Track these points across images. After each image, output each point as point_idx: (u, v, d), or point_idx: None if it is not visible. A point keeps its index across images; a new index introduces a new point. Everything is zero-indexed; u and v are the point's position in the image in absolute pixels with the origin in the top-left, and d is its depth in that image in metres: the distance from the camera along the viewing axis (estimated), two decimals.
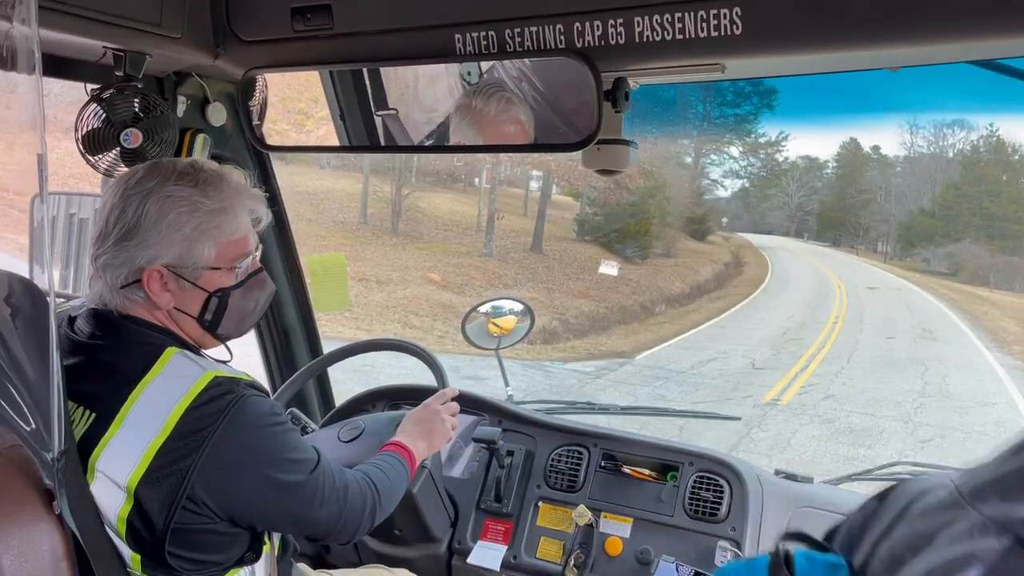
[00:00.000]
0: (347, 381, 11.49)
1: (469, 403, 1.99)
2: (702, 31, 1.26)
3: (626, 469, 1.73)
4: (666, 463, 1.76)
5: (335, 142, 1.73)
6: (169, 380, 1.25)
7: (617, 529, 1.70)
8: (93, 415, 1.24)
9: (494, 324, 3.49)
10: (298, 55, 1.60)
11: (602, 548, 1.69)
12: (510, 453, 1.87)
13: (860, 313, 23.46)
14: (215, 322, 1.40)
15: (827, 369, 13.89)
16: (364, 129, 1.64)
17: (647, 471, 1.74)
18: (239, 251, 1.40)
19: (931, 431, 9.85)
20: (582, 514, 1.71)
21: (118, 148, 1.63)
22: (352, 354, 2.03)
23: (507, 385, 3.49)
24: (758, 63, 1.33)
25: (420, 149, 1.66)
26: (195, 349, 1.37)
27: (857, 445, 9.02)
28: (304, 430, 1.88)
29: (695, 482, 1.68)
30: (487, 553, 1.76)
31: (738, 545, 1.57)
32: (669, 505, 1.69)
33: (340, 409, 2.14)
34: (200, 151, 1.88)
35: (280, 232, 2.12)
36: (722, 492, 1.64)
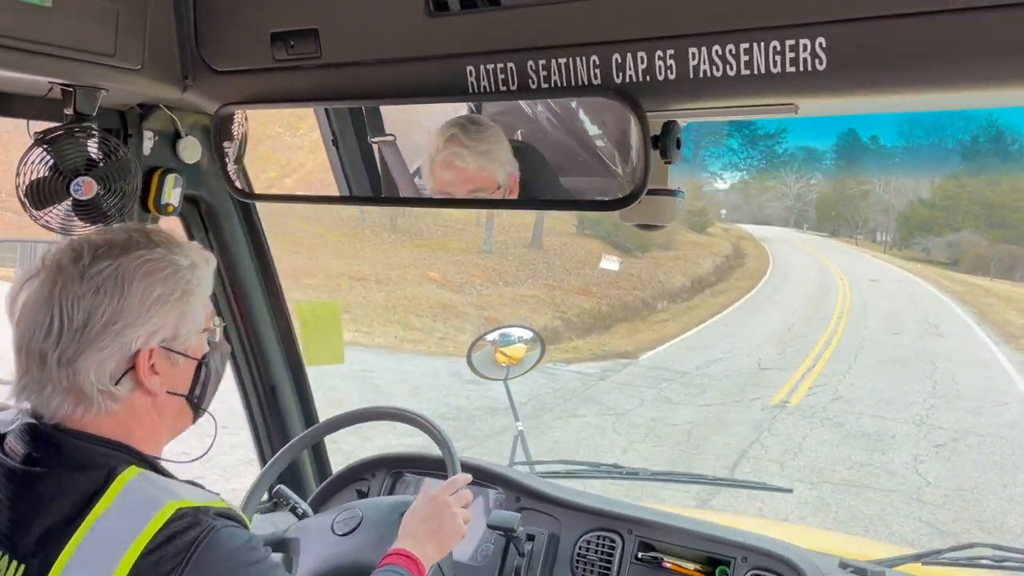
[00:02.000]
0: (345, 388, 11.21)
1: (482, 476, 1.74)
2: (775, 65, 1.01)
3: (668, 563, 1.49)
4: (713, 556, 1.51)
5: (332, 185, 1.48)
6: (121, 515, 1.02)
7: None
8: (22, 568, 1.00)
9: (502, 353, 3.25)
10: (281, 88, 1.35)
11: None
12: (530, 538, 1.62)
13: (864, 307, 23.23)
14: (203, 395, 1.22)
15: (834, 368, 13.66)
16: (366, 177, 1.40)
17: (692, 565, 1.50)
18: (211, 307, 1.24)
19: (944, 435, 9.62)
20: None
21: (69, 200, 1.39)
22: (352, 423, 1.79)
23: (517, 420, 3.26)
24: (839, 100, 1.08)
25: (428, 203, 1.42)
26: (156, 468, 1.13)
27: (871, 450, 8.80)
28: (294, 511, 1.65)
29: None
30: None
31: None
32: None
33: (336, 478, 1.89)
34: (171, 194, 1.63)
35: (266, 279, 1.88)
36: None
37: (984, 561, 1.59)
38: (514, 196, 1.35)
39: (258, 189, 1.66)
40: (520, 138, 1.38)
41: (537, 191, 1.36)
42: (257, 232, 1.84)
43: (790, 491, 2.03)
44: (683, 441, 8.88)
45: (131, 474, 1.06)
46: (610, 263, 21.72)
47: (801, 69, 1.00)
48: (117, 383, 1.09)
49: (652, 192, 1.22)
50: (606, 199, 1.14)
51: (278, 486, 1.67)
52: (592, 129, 1.19)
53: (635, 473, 2.12)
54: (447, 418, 9.44)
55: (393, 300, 17.38)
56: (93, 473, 1.05)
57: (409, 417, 1.65)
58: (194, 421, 1.24)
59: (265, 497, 1.76)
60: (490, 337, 3.26)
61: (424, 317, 16.37)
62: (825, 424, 9.83)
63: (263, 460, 2.01)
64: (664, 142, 1.09)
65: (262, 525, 1.75)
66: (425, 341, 14.54)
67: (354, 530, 1.48)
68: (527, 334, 3.27)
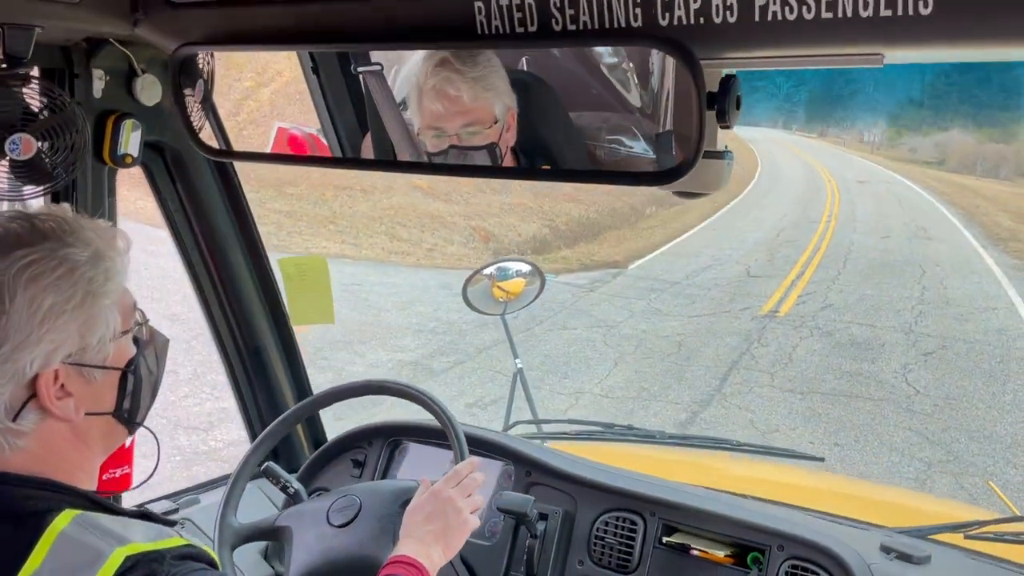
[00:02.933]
0: (334, 303, 11.15)
1: (489, 448, 1.60)
2: (864, 8, 0.81)
3: (695, 551, 1.37)
4: (745, 543, 1.39)
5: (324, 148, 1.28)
6: (57, 575, 0.84)
7: None
8: None
9: (499, 288, 3.10)
10: (248, 26, 1.13)
11: None
12: (543, 517, 1.51)
13: (852, 210, 23.15)
14: (135, 407, 1.02)
15: (823, 275, 13.63)
16: (361, 136, 1.20)
17: (721, 552, 1.38)
18: (130, 301, 1.02)
19: (933, 342, 9.67)
20: None
21: (6, 161, 1.18)
22: (349, 396, 1.64)
23: (516, 356, 3.14)
24: (938, 51, 0.89)
25: (427, 168, 1.22)
26: (95, 502, 0.94)
27: (860, 359, 8.83)
28: (285, 490, 1.51)
29: (788, 573, 1.32)
30: None
31: None
32: None
33: (330, 447, 1.75)
34: (128, 142, 1.42)
35: (244, 232, 1.69)
36: None
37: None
38: (511, 136, 1.16)
39: (231, 129, 1.45)
40: (525, 67, 1.18)
41: (541, 135, 1.17)
42: (231, 180, 1.64)
43: (822, 459, 1.90)
44: (673, 353, 8.87)
45: (65, 520, 0.87)
46: None
47: (900, 12, 0.80)
48: (16, 417, 0.90)
49: (705, 156, 1.03)
50: (645, 171, 0.95)
51: (267, 463, 1.53)
52: (618, 72, 0.99)
53: (651, 436, 1.98)
54: (438, 332, 9.38)
55: (379, 210, 17.05)
56: (18, 523, 0.87)
57: (412, 394, 1.50)
58: (131, 434, 1.06)
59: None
60: (487, 271, 3.10)
61: (412, 228, 16.10)
62: (815, 333, 9.84)
63: (251, 431, 1.87)
64: (722, 102, 0.90)
65: (252, 495, 1.63)
66: (413, 253, 14.34)
67: (352, 520, 1.35)
68: (525, 267, 3.11)
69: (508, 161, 1.24)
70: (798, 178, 31.20)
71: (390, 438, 1.71)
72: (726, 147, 1.08)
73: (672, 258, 15.36)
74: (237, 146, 1.58)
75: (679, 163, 0.90)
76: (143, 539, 0.88)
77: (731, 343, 9.32)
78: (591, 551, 1.44)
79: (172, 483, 5.50)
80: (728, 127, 0.92)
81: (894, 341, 9.64)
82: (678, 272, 13.80)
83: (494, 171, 1.15)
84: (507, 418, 2.94)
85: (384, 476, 1.68)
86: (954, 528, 1.56)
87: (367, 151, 1.35)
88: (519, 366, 3.00)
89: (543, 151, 1.22)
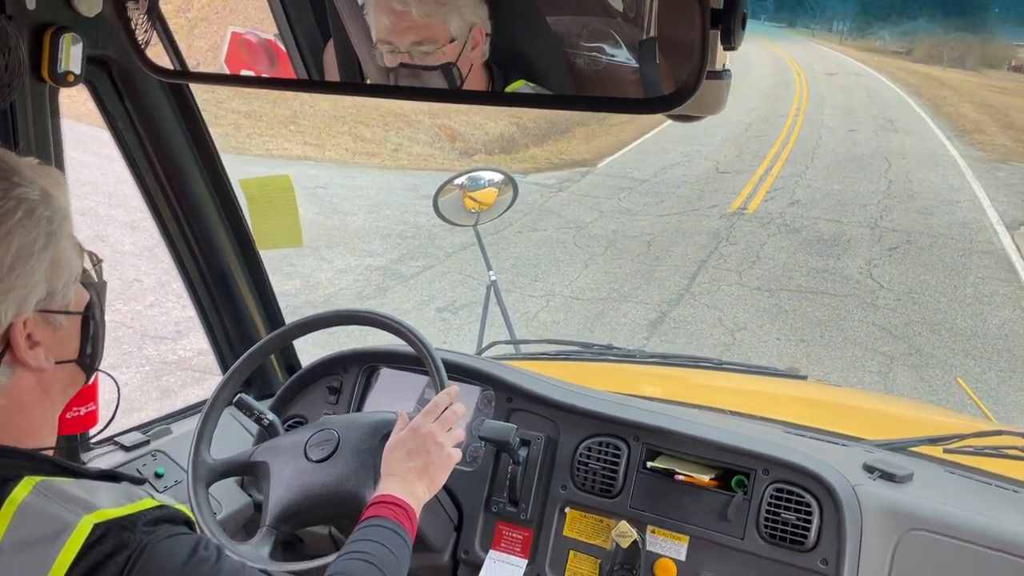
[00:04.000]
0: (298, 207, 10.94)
1: (468, 374, 1.57)
2: None
3: (679, 475, 1.36)
4: (730, 467, 1.39)
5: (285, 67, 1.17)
6: (19, 550, 0.78)
7: (669, 549, 1.34)
8: None
9: (471, 198, 3.02)
10: None
11: (650, 571, 1.34)
12: (525, 443, 1.48)
13: (821, 103, 22.97)
14: (95, 351, 0.97)
15: (791, 171, 13.63)
16: (323, 45, 1.09)
17: (705, 476, 1.38)
18: (76, 240, 0.96)
19: (898, 237, 9.80)
20: (624, 533, 1.35)
21: None
22: (323, 326, 1.58)
23: (490, 268, 3.09)
24: None
25: (403, 92, 1.11)
26: (56, 464, 0.88)
27: (826, 256, 8.94)
28: (259, 421, 1.47)
29: (773, 497, 1.33)
30: (503, 569, 1.42)
31: None
32: (738, 524, 1.32)
33: (305, 374, 1.69)
34: (69, 58, 1.29)
35: (201, 152, 1.58)
36: (810, 513, 1.29)
37: (1013, 452, 1.50)
38: (476, 54, 1.06)
39: (180, 28, 1.32)
40: None
41: (520, 58, 1.07)
42: (186, 97, 1.52)
43: (804, 377, 1.90)
44: (643, 253, 8.89)
45: (25, 489, 0.81)
46: None
47: None
48: None
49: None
50: (644, 97, 0.86)
51: (239, 395, 1.48)
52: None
53: (631, 355, 1.97)
54: (406, 236, 9.27)
55: (341, 109, 16.52)
56: None
57: (387, 323, 1.45)
58: (88, 380, 1.00)
59: None
60: (458, 181, 3.01)
61: (375, 127, 15.67)
62: (782, 231, 9.91)
63: (221, 361, 1.81)
64: (728, 19, 0.81)
65: (226, 424, 1.59)
66: (378, 154, 14.01)
67: (331, 455, 1.31)
68: (497, 177, 3.02)
69: (476, 80, 1.13)
70: (767, 71, 30.75)
71: (366, 364, 1.66)
72: (724, 64, 1.01)
73: (641, 155, 15.22)
74: (188, 49, 1.44)
75: (679, 87, 0.82)
76: (111, 504, 0.83)
77: (700, 242, 9.36)
78: (574, 476, 1.43)
79: (142, 393, 5.46)
80: (733, 48, 0.84)
81: (860, 236, 9.75)
82: (647, 169, 13.70)
83: (473, 96, 1.05)
84: (481, 335, 2.91)
85: (361, 403, 1.65)
86: (933, 441, 1.58)
87: (330, 63, 1.24)
88: (493, 279, 2.95)
89: (521, 68, 1.12)
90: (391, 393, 1.65)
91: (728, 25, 0.81)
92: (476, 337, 3.00)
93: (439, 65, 1.06)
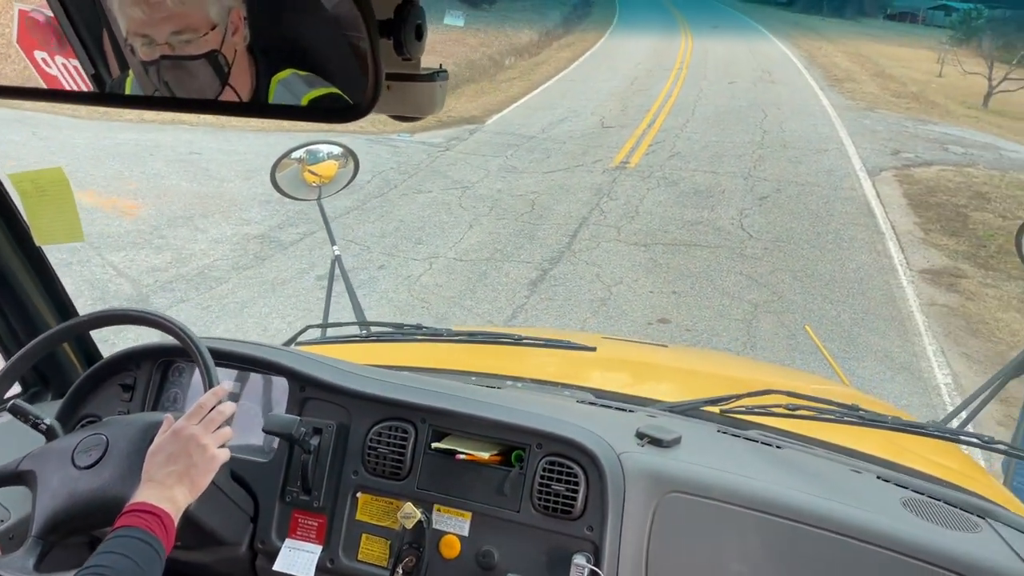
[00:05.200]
0: (172, 175, 10.40)
1: (261, 365, 1.56)
2: None
3: (461, 454, 1.42)
4: (509, 443, 1.45)
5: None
6: None
7: (453, 525, 1.40)
8: None
9: (311, 172, 2.97)
10: None
11: (436, 548, 1.40)
12: (317, 431, 1.49)
13: (704, 57, 23.50)
14: None
15: (673, 123, 13.97)
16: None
17: (487, 454, 1.44)
18: None
19: (768, 186, 10.22)
20: (408, 515, 1.39)
21: None
22: (83, 329, 1.53)
23: (334, 244, 3.06)
24: None
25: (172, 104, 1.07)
26: None
27: (701, 207, 9.25)
28: (36, 427, 1.42)
29: (545, 469, 1.40)
30: (298, 556, 1.45)
31: (596, 549, 1.33)
32: (514, 498, 1.38)
33: (94, 373, 1.64)
34: None
35: None
36: (576, 483, 1.35)
37: (779, 410, 1.62)
38: (239, 39, 1.03)
39: None
40: None
41: (283, 29, 1.06)
42: None
43: (593, 350, 1.97)
44: (527, 212, 8.98)
45: None
46: (455, 18, 20.48)
47: None
48: None
49: (406, 78, 0.97)
50: (331, 107, 0.88)
51: (12, 401, 1.43)
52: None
53: (438, 334, 2.00)
54: (285, 202, 9.03)
55: None
56: None
57: (153, 320, 1.42)
58: None
59: None
60: (295, 155, 2.95)
61: None
62: (661, 184, 10.18)
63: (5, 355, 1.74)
64: (398, 30, 0.83)
65: (11, 430, 1.54)
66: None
67: (99, 461, 1.29)
68: (336, 149, 2.98)
69: (242, 67, 1.12)
70: (655, 25, 31.15)
71: (160, 359, 1.63)
72: (440, 66, 1.03)
73: (530, 111, 15.25)
74: None
75: (355, 103, 0.84)
76: None
77: (583, 198, 9.51)
78: (365, 461, 1.46)
79: None
80: (410, 59, 0.86)
81: (734, 187, 10.12)
82: (535, 126, 13.76)
83: (222, 106, 1.01)
84: (325, 314, 2.90)
85: (157, 400, 1.62)
86: (714, 402, 1.69)
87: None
88: (337, 253, 2.93)
89: (289, 50, 1.10)
90: (190, 388, 1.63)
91: (399, 37, 0.83)
92: (349, 309, 2.97)
93: (203, 53, 1.03)
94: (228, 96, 1.09)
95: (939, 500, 1.44)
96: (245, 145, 11.39)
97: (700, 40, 27.23)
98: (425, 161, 11.19)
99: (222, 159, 10.62)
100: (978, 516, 1.41)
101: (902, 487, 1.48)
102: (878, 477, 1.52)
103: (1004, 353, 6.24)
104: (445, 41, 20.45)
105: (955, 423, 2.62)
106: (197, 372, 1.63)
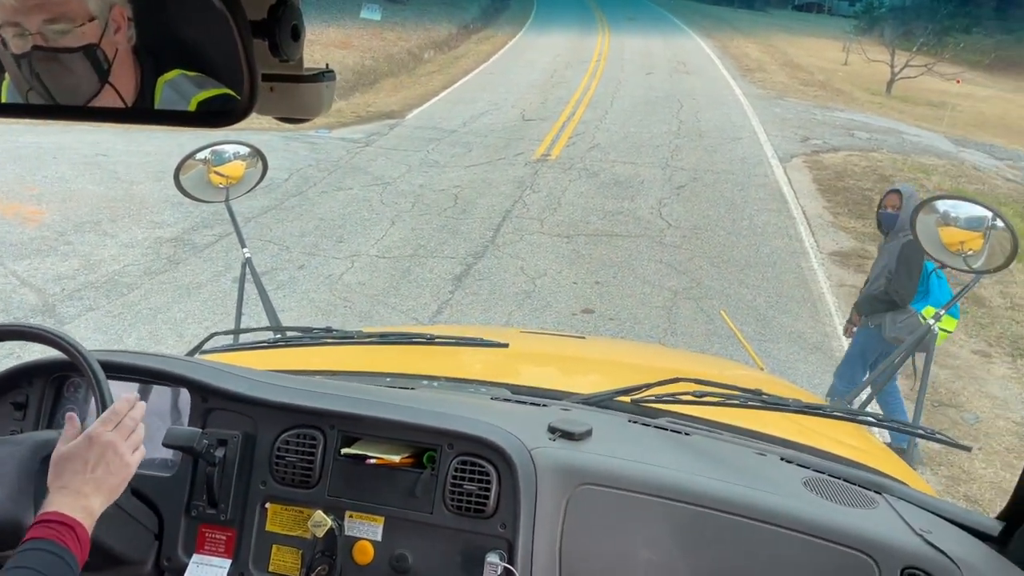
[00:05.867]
0: (78, 179, 9.95)
1: (162, 377, 1.51)
2: None
3: (372, 459, 1.40)
4: (421, 444, 1.44)
5: None
6: None
7: (366, 531, 1.37)
8: None
9: (217, 173, 2.89)
10: None
11: (349, 555, 1.37)
12: (222, 443, 1.44)
13: (621, 48, 23.82)
14: None
15: (592, 115, 14.12)
16: None
17: (398, 457, 1.42)
18: None
19: (685, 175, 10.44)
20: (318, 523, 1.36)
21: None
22: None
23: (244, 246, 2.99)
24: None
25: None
26: None
27: (621, 198, 9.39)
28: None
29: (457, 470, 1.39)
30: (206, 572, 1.41)
31: (510, 546, 1.34)
32: (426, 500, 1.36)
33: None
34: None
35: None
36: (488, 481, 1.34)
37: (687, 397, 1.66)
38: (121, 37, 0.99)
39: None
40: None
41: (172, 28, 1.02)
42: None
43: (505, 346, 1.97)
44: (450, 207, 8.95)
45: None
46: (371, 12, 20.21)
47: None
48: None
49: (289, 79, 0.95)
50: (215, 111, 0.85)
51: None
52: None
53: (349, 336, 1.97)
54: (200, 203, 8.78)
55: None
56: None
57: (33, 333, 1.35)
58: None
59: None
60: (200, 156, 2.86)
61: None
62: (582, 175, 10.28)
63: None
64: (271, 33, 0.81)
65: None
66: None
67: None
68: (243, 149, 2.90)
69: (125, 67, 1.07)
70: (572, 18, 31.41)
71: (54, 375, 1.56)
72: (327, 66, 1.01)
73: (450, 105, 15.19)
74: None
75: (234, 108, 0.81)
76: None
77: (505, 191, 9.54)
78: (273, 471, 1.43)
79: None
80: (287, 60, 0.84)
81: (652, 177, 10.31)
82: (456, 119, 13.72)
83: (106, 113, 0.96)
84: (237, 320, 2.83)
85: (51, 417, 1.55)
86: (625, 392, 1.72)
87: None
88: (247, 256, 2.85)
89: (176, 51, 1.06)
90: (86, 404, 1.57)
91: (274, 39, 0.81)
92: (263, 311, 2.89)
93: (80, 47, 0.98)
94: (110, 98, 1.04)
95: (839, 478, 1.49)
96: (154, 145, 11.00)
97: (617, 32, 27.57)
98: (344, 157, 11.02)
99: (131, 160, 10.23)
100: (875, 492, 1.47)
101: (804, 467, 1.53)
102: (781, 459, 1.57)
103: None
104: (362, 36, 20.19)
105: (860, 400, 2.73)
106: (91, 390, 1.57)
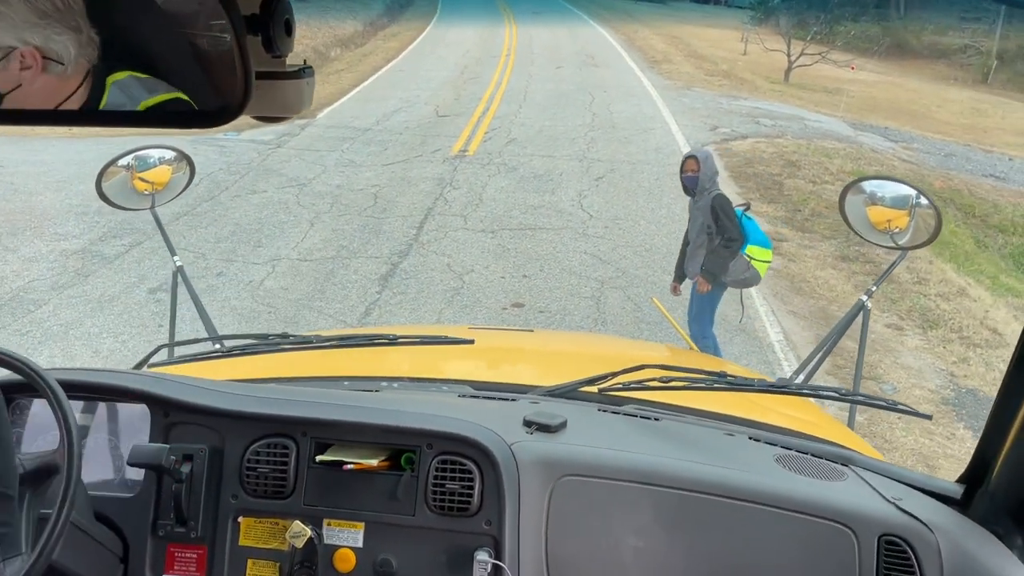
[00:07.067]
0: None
1: (119, 393, 1.43)
2: None
3: (349, 464, 1.36)
4: (398, 447, 1.41)
5: None
6: None
7: (347, 538, 1.33)
8: None
9: (141, 179, 2.76)
10: None
11: (330, 564, 1.33)
12: (188, 458, 1.38)
13: (530, 42, 23.96)
14: None
15: (507, 110, 14.16)
16: None
17: (376, 460, 1.38)
18: None
19: (603, 167, 10.59)
20: (297, 533, 1.31)
21: None
22: None
23: (174, 254, 2.86)
24: None
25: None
26: None
27: (542, 192, 9.44)
28: None
29: (438, 469, 1.37)
30: None
31: (497, 543, 1.32)
32: (408, 502, 1.33)
33: None
34: None
35: None
36: (471, 479, 1.33)
37: (653, 384, 1.68)
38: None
39: None
40: None
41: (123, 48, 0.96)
42: None
43: (471, 342, 1.95)
44: (370, 206, 8.82)
45: None
46: None
47: None
48: None
49: (272, 76, 0.91)
50: (199, 111, 0.81)
51: None
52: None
53: (307, 341, 1.91)
54: (105, 212, 8.34)
55: None
56: None
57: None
58: None
59: None
60: (123, 162, 2.73)
61: None
62: (502, 170, 10.30)
63: None
64: (265, 28, 0.77)
65: None
66: None
67: None
68: (169, 154, 2.78)
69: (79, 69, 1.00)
70: (479, 11, 31.40)
71: (8, 396, 1.46)
72: (305, 62, 0.98)
73: (362, 103, 14.96)
74: None
75: (225, 106, 0.77)
76: None
77: (425, 189, 9.46)
78: (244, 483, 1.37)
79: None
80: (280, 56, 0.81)
81: (570, 170, 10.41)
82: (369, 118, 13.52)
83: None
84: (172, 332, 2.71)
85: None
86: (591, 382, 1.73)
87: None
88: (178, 264, 2.73)
89: (136, 52, 0.99)
90: (37, 427, 1.47)
91: (268, 33, 0.77)
92: (199, 322, 2.76)
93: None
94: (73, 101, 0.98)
95: (806, 454, 1.54)
96: (52, 154, 10.44)
97: (524, 27, 27.72)
98: (256, 160, 10.72)
99: (28, 170, 9.69)
100: (842, 464, 1.52)
101: (772, 445, 1.58)
102: (750, 438, 1.60)
103: (825, 308, 6.82)
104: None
105: (800, 379, 2.82)
106: (36, 408, 1.47)
